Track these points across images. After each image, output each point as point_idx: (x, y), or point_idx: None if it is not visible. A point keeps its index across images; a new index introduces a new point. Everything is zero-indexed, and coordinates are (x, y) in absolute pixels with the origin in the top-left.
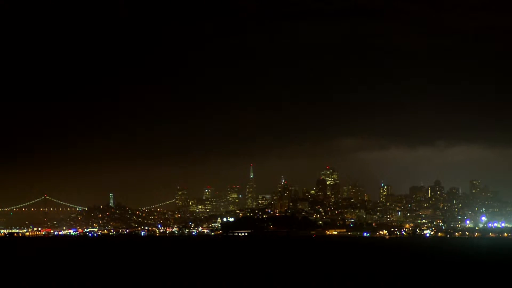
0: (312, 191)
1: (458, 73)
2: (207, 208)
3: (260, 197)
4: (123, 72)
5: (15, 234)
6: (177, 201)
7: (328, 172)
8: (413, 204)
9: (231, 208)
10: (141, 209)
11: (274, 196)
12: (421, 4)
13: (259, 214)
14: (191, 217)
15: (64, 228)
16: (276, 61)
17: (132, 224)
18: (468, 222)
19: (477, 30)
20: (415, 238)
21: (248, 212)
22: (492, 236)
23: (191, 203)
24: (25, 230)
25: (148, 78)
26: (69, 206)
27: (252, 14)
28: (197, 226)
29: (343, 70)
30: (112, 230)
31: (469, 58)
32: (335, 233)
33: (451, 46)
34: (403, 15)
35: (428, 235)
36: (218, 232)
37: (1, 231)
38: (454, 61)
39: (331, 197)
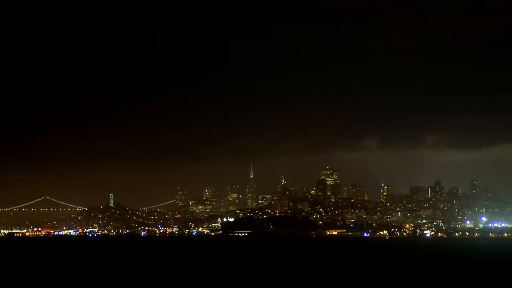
0: (312, 191)
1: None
2: (207, 208)
3: (260, 197)
4: (123, 72)
5: (15, 234)
6: (177, 201)
7: (328, 172)
8: (413, 204)
9: (231, 208)
10: (141, 209)
11: (274, 196)
12: (402, 5)
13: (259, 214)
14: (191, 217)
15: (64, 228)
16: (273, 62)
17: (132, 224)
18: (468, 222)
19: (459, 31)
20: (415, 238)
21: (248, 212)
22: (492, 236)
23: (191, 203)
24: (25, 231)
25: (148, 78)
26: (69, 206)
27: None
28: (197, 226)
29: (338, 70)
30: (112, 231)
31: (459, 58)
32: (335, 233)
33: (436, 47)
34: (384, 16)
35: (428, 235)
36: (218, 232)
37: (1, 231)
38: (448, 62)
39: (331, 197)
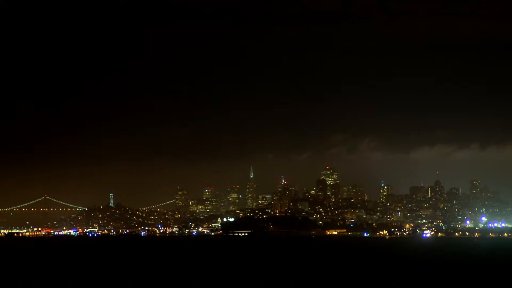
0: (312, 191)
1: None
2: (207, 208)
3: (260, 197)
4: (123, 72)
5: (15, 234)
6: (177, 201)
7: (328, 172)
8: (413, 204)
9: (231, 208)
10: (141, 209)
11: (274, 196)
12: (374, 8)
13: (259, 214)
14: (191, 217)
15: (64, 228)
16: (271, 62)
17: (132, 224)
18: (468, 222)
19: (429, 34)
20: (415, 238)
21: (248, 212)
22: (492, 236)
23: (191, 203)
24: (25, 230)
25: (148, 78)
26: (69, 206)
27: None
28: (197, 226)
29: (338, 70)
30: (112, 230)
31: (457, 60)
32: (335, 233)
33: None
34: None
35: (428, 235)
36: (218, 232)
37: (1, 231)
38: (448, 63)
39: (331, 197)
